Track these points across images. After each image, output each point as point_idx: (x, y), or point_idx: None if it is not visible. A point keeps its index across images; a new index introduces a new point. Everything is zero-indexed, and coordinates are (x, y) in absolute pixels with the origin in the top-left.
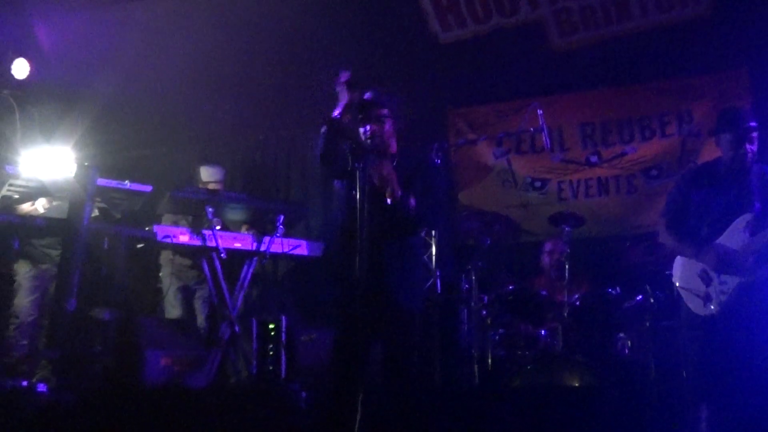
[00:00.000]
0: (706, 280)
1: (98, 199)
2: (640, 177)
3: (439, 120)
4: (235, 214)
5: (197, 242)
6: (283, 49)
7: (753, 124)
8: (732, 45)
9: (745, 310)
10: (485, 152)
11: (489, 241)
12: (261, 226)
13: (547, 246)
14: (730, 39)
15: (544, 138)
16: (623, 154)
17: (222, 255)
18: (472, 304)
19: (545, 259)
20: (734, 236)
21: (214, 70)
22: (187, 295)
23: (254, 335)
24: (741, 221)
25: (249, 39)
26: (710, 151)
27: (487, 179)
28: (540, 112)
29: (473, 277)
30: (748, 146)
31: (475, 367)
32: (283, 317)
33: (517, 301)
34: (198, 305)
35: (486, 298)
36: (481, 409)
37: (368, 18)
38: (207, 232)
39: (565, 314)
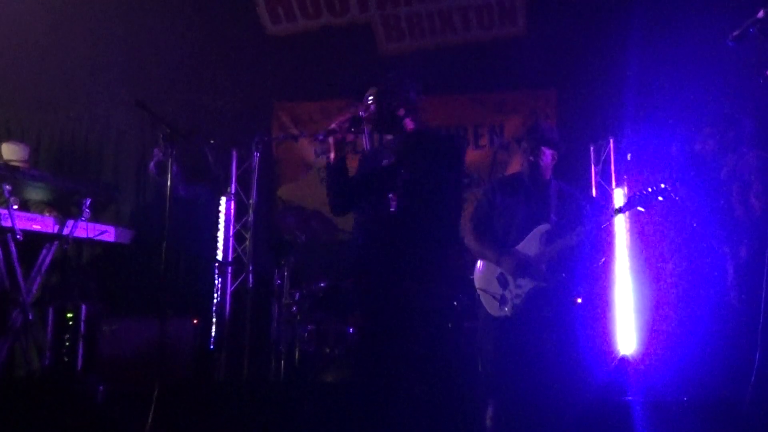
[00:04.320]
0: (504, 284)
1: None
2: None
3: (264, 113)
4: (37, 194)
5: None
6: (102, 23)
7: (546, 137)
8: (543, 65)
9: (535, 312)
10: (307, 149)
11: (304, 238)
12: (66, 209)
13: None
14: (542, 60)
15: (364, 141)
16: None
17: (18, 237)
18: (284, 299)
19: None
20: (531, 244)
21: (22, 37)
22: None
23: (50, 324)
24: (538, 231)
25: (63, 9)
26: (518, 164)
27: (307, 176)
28: (362, 113)
29: (286, 273)
30: (536, 157)
31: (282, 362)
32: (83, 306)
33: (327, 298)
34: None
35: (298, 294)
36: (284, 403)
37: (196, 3)
38: (2, 211)
39: None
